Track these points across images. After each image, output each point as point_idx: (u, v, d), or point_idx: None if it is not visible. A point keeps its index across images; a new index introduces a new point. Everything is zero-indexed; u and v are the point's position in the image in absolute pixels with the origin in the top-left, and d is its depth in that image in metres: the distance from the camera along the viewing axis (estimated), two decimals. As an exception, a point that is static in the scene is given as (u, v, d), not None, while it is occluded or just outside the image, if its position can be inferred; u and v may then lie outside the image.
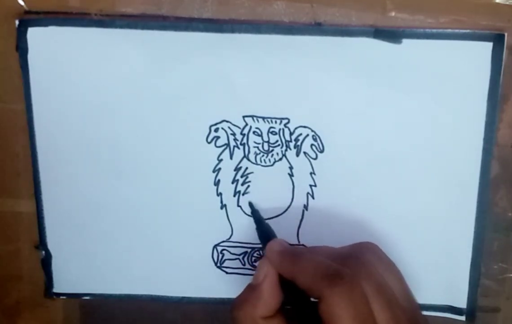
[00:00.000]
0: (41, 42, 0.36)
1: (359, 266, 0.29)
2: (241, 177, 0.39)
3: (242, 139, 0.38)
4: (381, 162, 0.38)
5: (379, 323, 0.27)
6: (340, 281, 0.27)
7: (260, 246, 0.40)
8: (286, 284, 0.30)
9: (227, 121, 0.38)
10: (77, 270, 0.41)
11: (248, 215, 0.39)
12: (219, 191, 0.39)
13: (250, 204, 0.39)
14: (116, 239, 0.40)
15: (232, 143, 0.38)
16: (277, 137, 0.38)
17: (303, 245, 0.39)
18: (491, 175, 0.37)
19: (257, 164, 0.38)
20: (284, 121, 0.37)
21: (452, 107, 0.36)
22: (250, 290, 0.31)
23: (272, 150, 0.38)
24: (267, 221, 0.37)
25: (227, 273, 0.41)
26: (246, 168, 0.39)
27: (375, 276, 0.29)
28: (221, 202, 0.39)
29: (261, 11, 0.36)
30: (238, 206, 0.39)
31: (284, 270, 0.31)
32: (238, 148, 0.38)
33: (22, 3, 0.36)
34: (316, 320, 0.27)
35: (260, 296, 0.30)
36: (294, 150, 0.38)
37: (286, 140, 0.38)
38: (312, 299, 0.29)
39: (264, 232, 0.35)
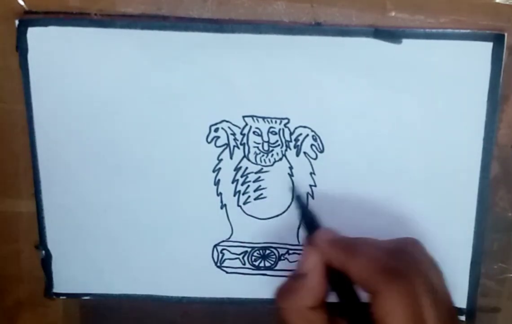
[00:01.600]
0: (41, 42, 0.36)
1: (410, 262, 0.29)
2: (241, 176, 0.39)
3: (242, 139, 0.38)
4: (381, 161, 0.38)
5: (427, 321, 0.27)
6: (398, 278, 0.27)
7: (260, 245, 0.40)
8: (334, 275, 0.30)
9: (227, 121, 0.38)
10: (77, 270, 0.41)
11: (248, 215, 0.39)
12: (219, 190, 0.39)
13: (294, 189, 0.37)
14: (116, 239, 0.40)
15: (232, 143, 0.38)
16: (277, 137, 0.38)
17: (303, 244, 0.39)
18: (491, 175, 0.37)
19: (257, 164, 0.38)
20: (284, 121, 0.37)
21: (452, 107, 0.36)
22: (296, 279, 0.30)
23: (272, 150, 0.38)
24: (266, 221, 0.37)
25: (227, 272, 0.41)
26: (246, 168, 0.39)
27: (425, 274, 0.29)
28: (221, 201, 0.39)
29: (261, 11, 0.36)
30: (238, 205, 0.39)
31: (336, 260, 0.30)
32: (238, 148, 0.38)
33: (22, 3, 0.36)
34: (360, 313, 0.27)
35: (309, 285, 0.30)
36: (294, 150, 0.38)
37: (286, 140, 0.38)
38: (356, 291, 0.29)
39: (310, 219, 0.34)
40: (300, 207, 0.35)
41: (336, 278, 0.30)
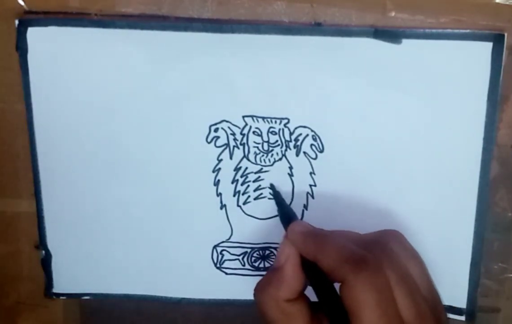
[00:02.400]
0: (41, 42, 0.36)
1: (383, 253, 0.29)
2: (241, 177, 0.39)
3: (242, 139, 0.38)
4: (380, 161, 0.38)
5: (401, 310, 0.27)
6: (365, 266, 0.27)
7: (260, 245, 0.40)
8: (309, 266, 0.30)
9: (227, 121, 0.38)
10: (77, 270, 0.41)
11: (248, 215, 0.39)
12: (219, 191, 0.39)
13: (272, 186, 0.38)
14: (116, 239, 0.40)
15: (232, 143, 0.38)
16: (277, 137, 0.38)
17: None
18: (491, 175, 0.37)
19: (257, 164, 0.38)
20: (284, 121, 0.37)
21: (452, 107, 0.36)
22: (273, 272, 0.30)
23: (272, 150, 0.38)
24: (266, 221, 0.37)
25: (226, 273, 0.41)
26: (246, 168, 0.39)
27: (399, 264, 0.29)
28: (221, 202, 0.39)
29: (261, 11, 0.36)
30: (238, 206, 0.39)
31: (306, 251, 0.30)
32: (238, 148, 0.38)
33: (22, 3, 0.36)
34: (334, 304, 0.27)
35: (283, 278, 0.30)
36: (294, 150, 0.38)
37: (286, 140, 0.38)
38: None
39: (286, 213, 0.34)
40: (276, 200, 0.36)
41: (310, 270, 0.29)
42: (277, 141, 0.38)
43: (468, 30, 0.35)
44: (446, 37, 0.35)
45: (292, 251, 0.30)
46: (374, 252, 0.28)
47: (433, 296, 0.30)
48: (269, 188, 0.38)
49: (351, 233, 0.32)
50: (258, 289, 0.30)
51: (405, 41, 0.35)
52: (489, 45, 0.35)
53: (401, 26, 0.35)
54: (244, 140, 0.38)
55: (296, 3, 0.35)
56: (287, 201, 0.39)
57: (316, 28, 0.35)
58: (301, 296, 0.30)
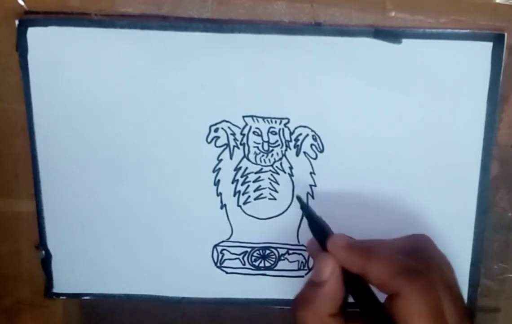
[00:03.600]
0: (41, 42, 0.36)
1: (427, 260, 0.29)
2: (241, 176, 0.39)
3: (242, 139, 0.38)
4: (381, 161, 0.38)
5: (447, 316, 0.27)
6: (418, 277, 0.27)
7: (260, 245, 0.40)
8: (351, 279, 0.30)
9: (227, 121, 0.38)
10: (77, 270, 0.41)
11: (248, 215, 0.39)
12: (219, 191, 0.39)
13: (299, 198, 0.35)
14: (116, 239, 0.40)
15: (232, 143, 0.38)
16: (277, 137, 0.38)
17: (303, 244, 0.39)
18: (491, 175, 0.37)
19: (257, 164, 0.38)
20: (284, 121, 0.37)
21: (452, 107, 0.36)
22: (314, 287, 0.30)
23: (272, 150, 0.38)
24: (266, 221, 0.37)
25: (227, 273, 0.41)
26: (246, 168, 0.39)
27: (442, 271, 0.30)
28: (221, 201, 0.39)
29: (261, 11, 0.36)
30: (238, 205, 0.39)
31: (352, 265, 0.29)
32: (238, 148, 0.38)
33: (22, 3, 0.36)
34: (380, 314, 0.28)
35: (327, 293, 0.30)
36: (294, 150, 0.38)
37: (286, 140, 0.38)
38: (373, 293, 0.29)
39: (320, 227, 0.33)
40: (307, 215, 0.34)
41: (353, 282, 0.30)
42: (277, 141, 0.38)
43: (468, 30, 0.35)
44: (446, 37, 0.35)
45: (336, 265, 0.30)
46: (420, 260, 0.29)
47: (463, 299, 0.31)
48: (297, 199, 0.35)
49: (388, 241, 0.32)
50: (299, 306, 0.30)
51: (405, 41, 0.35)
52: (489, 45, 0.35)
53: (401, 26, 0.35)
54: (244, 140, 0.38)
55: (296, 3, 0.35)
56: (287, 201, 0.39)
57: (316, 28, 0.35)
58: (340, 309, 0.30)
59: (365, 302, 0.29)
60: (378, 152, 0.37)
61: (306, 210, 0.34)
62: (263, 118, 0.37)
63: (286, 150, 0.38)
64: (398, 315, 0.27)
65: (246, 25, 0.36)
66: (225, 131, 0.38)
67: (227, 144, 0.38)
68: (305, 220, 0.39)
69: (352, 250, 0.30)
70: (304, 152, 0.38)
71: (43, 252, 0.41)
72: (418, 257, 0.29)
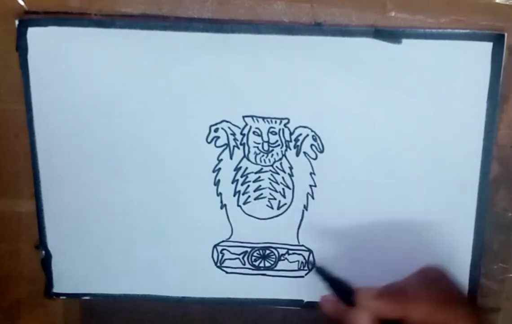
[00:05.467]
0: (41, 42, 0.36)
1: (455, 294, 0.32)
2: (241, 176, 0.39)
3: (242, 139, 0.38)
4: (380, 161, 0.38)
5: None
6: (458, 310, 0.30)
7: (260, 245, 0.40)
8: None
9: (227, 121, 0.38)
10: (77, 270, 0.41)
11: (248, 215, 0.39)
12: (219, 190, 0.39)
13: (319, 269, 0.35)
14: (116, 239, 0.40)
15: (232, 143, 0.38)
16: (277, 137, 0.38)
17: (303, 245, 0.39)
18: (491, 175, 0.37)
19: (257, 164, 0.38)
20: (284, 121, 0.37)
21: (452, 107, 0.36)
22: None
23: (272, 150, 0.38)
24: (266, 221, 0.37)
25: (227, 272, 0.41)
26: (246, 168, 0.39)
27: (462, 303, 0.32)
28: (221, 201, 0.39)
29: (261, 11, 0.36)
30: (238, 205, 0.39)
31: (392, 311, 0.31)
32: (238, 148, 0.38)
33: (22, 3, 0.36)
34: None
35: None
36: (294, 151, 0.38)
37: (286, 141, 0.38)
38: None
39: (343, 287, 0.34)
40: (329, 281, 0.34)
41: None
42: (277, 141, 0.38)
43: (468, 30, 0.35)
44: (446, 37, 0.35)
45: (369, 317, 0.31)
46: (451, 295, 0.32)
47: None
48: (316, 270, 0.35)
49: (405, 280, 0.33)
50: None
51: (405, 41, 0.35)
52: (489, 45, 0.35)
53: (401, 26, 0.35)
54: (244, 141, 0.38)
55: (296, 3, 0.35)
56: (287, 201, 0.39)
57: (316, 28, 0.35)
58: None
59: None
60: (378, 152, 0.37)
61: (328, 277, 0.34)
62: (263, 118, 0.37)
63: (286, 150, 0.38)
64: None
65: (246, 25, 0.36)
66: (225, 131, 0.38)
67: (227, 144, 0.38)
68: (305, 220, 0.39)
69: (384, 298, 0.31)
70: (304, 153, 0.38)
71: (43, 252, 0.41)
72: (449, 293, 0.32)
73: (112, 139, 0.38)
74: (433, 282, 0.32)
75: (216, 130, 0.38)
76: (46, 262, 0.41)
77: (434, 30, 0.35)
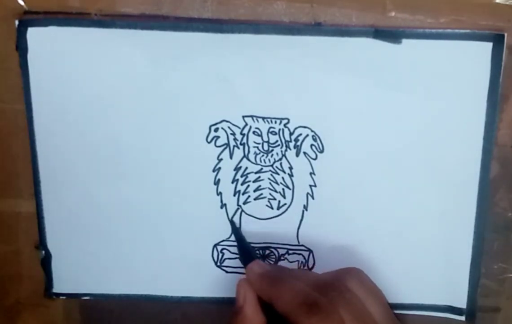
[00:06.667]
0: (41, 42, 0.36)
1: (339, 294, 0.30)
2: (241, 176, 0.39)
3: (242, 139, 0.38)
4: (381, 161, 0.38)
5: None
6: (317, 310, 0.28)
7: (260, 245, 0.40)
8: (267, 307, 0.30)
9: (227, 121, 0.38)
10: (77, 270, 0.41)
11: (248, 215, 0.39)
12: (219, 190, 0.39)
13: (232, 222, 0.38)
14: (116, 239, 0.40)
15: (232, 143, 0.38)
16: (277, 137, 0.38)
17: (303, 245, 0.39)
18: (491, 175, 0.37)
19: (257, 164, 0.38)
20: (284, 121, 0.37)
21: (452, 107, 0.36)
22: (234, 314, 0.31)
23: (272, 150, 0.38)
24: (266, 221, 0.37)
25: (227, 272, 0.41)
26: (246, 168, 0.39)
27: (355, 304, 0.30)
28: (221, 201, 0.39)
29: (261, 11, 0.36)
30: (238, 205, 0.39)
31: (262, 293, 0.31)
32: (238, 148, 0.38)
33: (22, 3, 0.36)
34: None
35: (244, 319, 0.31)
36: (294, 151, 0.38)
37: (286, 141, 0.38)
38: None
39: (246, 251, 0.35)
40: (236, 237, 0.36)
41: (269, 310, 0.30)
42: (277, 141, 0.38)
43: (468, 30, 0.35)
44: (446, 37, 0.35)
45: (249, 291, 0.31)
46: (331, 293, 0.30)
47: None
48: (230, 223, 0.38)
49: (309, 273, 0.33)
50: None
51: (405, 41, 0.35)
52: (489, 45, 0.35)
53: (401, 26, 0.35)
54: (244, 140, 0.38)
55: (296, 3, 0.35)
56: (287, 201, 0.39)
57: (316, 28, 0.35)
58: None
59: None
60: (378, 152, 0.37)
61: (237, 233, 0.36)
62: (263, 118, 0.37)
63: (286, 150, 0.38)
64: None
65: (246, 25, 0.36)
66: (225, 131, 0.38)
67: (227, 144, 0.38)
68: (305, 220, 0.39)
69: (264, 279, 0.31)
70: (304, 153, 0.38)
71: (43, 252, 0.41)
72: (331, 290, 0.30)
73: (112, 139, 0.38)
74: (327, 284, 0.31)
75: (216, 130, 0.38)
76: (46, 262, 0.41)
77: (434, 30, 0.35)
